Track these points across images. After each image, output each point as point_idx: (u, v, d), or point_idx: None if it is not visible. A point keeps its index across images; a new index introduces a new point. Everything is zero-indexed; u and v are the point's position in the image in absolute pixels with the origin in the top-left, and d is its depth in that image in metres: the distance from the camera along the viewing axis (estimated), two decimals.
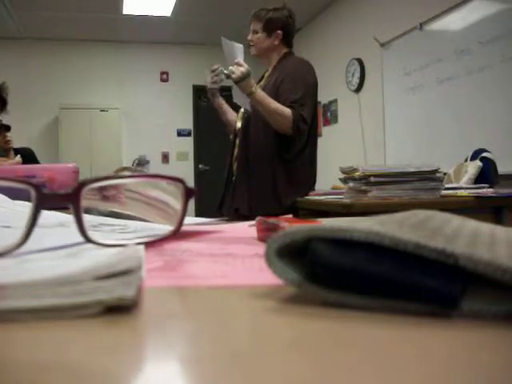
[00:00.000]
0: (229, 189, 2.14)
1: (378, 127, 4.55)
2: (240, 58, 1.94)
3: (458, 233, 0.23)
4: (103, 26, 6.10)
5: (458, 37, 3.47)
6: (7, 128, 3.52)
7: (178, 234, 0.38)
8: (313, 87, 2.04)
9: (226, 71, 1.95)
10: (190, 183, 0.40)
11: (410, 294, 0.20)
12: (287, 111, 1.91)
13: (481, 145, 2.54)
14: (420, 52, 3.91)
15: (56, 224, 0.49)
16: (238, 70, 1.88)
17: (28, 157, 3.17)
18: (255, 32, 2.12)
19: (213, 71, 2.02)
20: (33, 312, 0.20)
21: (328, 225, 0.22)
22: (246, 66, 1.89)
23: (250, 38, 2.14)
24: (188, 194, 0.37)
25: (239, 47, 1.99)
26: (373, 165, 2.83)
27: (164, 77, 6.92)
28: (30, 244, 0.30)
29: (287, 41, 2.14)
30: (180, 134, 6.96)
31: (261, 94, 1.90)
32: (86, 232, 0.32)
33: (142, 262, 0.25)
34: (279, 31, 2.09)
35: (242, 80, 1.88)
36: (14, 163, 1.98)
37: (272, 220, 0.43)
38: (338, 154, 5.03)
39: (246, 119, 2.07)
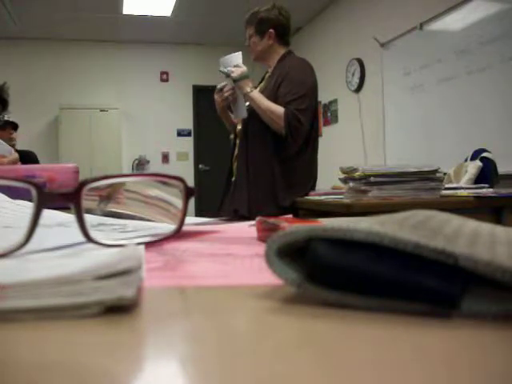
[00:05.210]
0: (229, 189, 2.14)
1: (378, 127, 4.55)
2: (239, 63, 2.03)
3: (458, 233, 0.23)
4: (103, 26, 6.10)
5: (458, 37, 3.47)
6: (14, 126, 3.52)
7: (178, 234, 0.38)
8: (311, 88, 2.03)
9: (225, 70, 2.00)
10: (190, 183, 0.40)
11: (409, 293, 0.20)
12: (280, 110, 1.95)
13: (481, 145, 2.54)
14: (420, 52, 3.91)
15: (56, 224, 0.49)
16: (237, 70, 1.99)
17: (31, 160, 3.18)
18: (250, 37, 2.14)
19: (221, 90, 2.07)
20: (33, 312, 0.20)
21: (328, 225, 0.22)
22: (244, 67, 2.01)
23: (247, 43, 2.17)
24: (188, 193, 0.37)
25: (237, 54, 2.06)
26: (373, 165, 2.83)
27: (164, 77, 6.92)
28: (31, 244, 0.30)
29: (283, 40, 2.13)
30: (180, 134, 6.96)
31: (256, 94, 1.99)
32: (88, 232, 0.32)
33: (142, 261, 0.25)
34: (271, 30, 2.09)
35: (240, 79, 1.98)
36: (12, 160, 2.00)
37: (272, 220, 0.43)
38: (338, 154, 5.03)
39: (246, 121, 2.08)
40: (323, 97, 5.35)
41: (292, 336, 0.19)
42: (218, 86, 2.07)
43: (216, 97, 2.09)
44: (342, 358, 0.16)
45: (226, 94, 2.03)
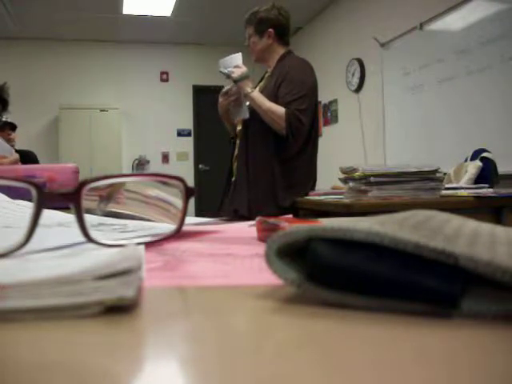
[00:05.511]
0: (229, 189, 2.14)
1: (378, 127, 4.55)
2: (239, 63, 2.03)
3: (458, 233, 0.23)
4: (103, 26, 6.10)
5: (458, 37, 3.47)
6: (12, 127, 3.53)
7: (178, 234, 0.38)
8: (311, 88, 2.03)
9: (226, 71, 2.00)
10: (190, 183, 0.40)
11: (410, 293, 0.20)
12: (280, 110, 1.94)
13: (481, 145, 2.54)
14: (420, 52, 3.91)
15: (56, 223, 0.49)
16: (237, 71, 2.00)
17: (31, 160, 3.18)
18: (249, 36, 2.14)
19: (226, 93, 2.05)
20: (33, 312, 0.20)
21: (328, 225, 0.22)
22: (244, 67, 2.02)
23: (247, 43, 2.18)
24: (188, 193, 0.36)
25: (237, 55, 2.06)
26: (373, 165, 2.83)
27: (164, 77, 6.92)
28: (31, 244, 0.30)
29: (283, 40, 2.13)
30: (180, 134, 6.96)
31: (256, 94, 1.99)
32: (88, 231, 0.32)
33: (142, 262, 0.25)
34: (270, 29, 2.09)
35: (241, 79, 1.98)
36: (12, 160, 2.00)
37: (272, 220, 0.43)
38: (338, 154, 5.03)
39: (246, 121, 2.08)
40: (323, 97, 5.35)
41: (292, 336, 0.19)
42: (224, 90, 2.07)
43: (221, 99, 2.08)
44: (342, 358, 0.16)
45: (231, 98, 2.03)
